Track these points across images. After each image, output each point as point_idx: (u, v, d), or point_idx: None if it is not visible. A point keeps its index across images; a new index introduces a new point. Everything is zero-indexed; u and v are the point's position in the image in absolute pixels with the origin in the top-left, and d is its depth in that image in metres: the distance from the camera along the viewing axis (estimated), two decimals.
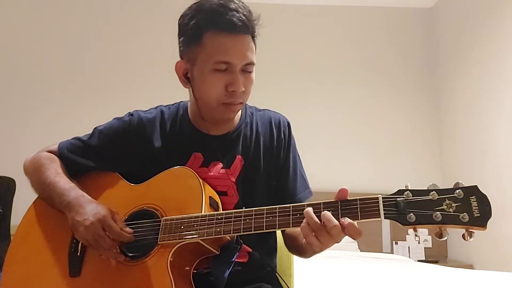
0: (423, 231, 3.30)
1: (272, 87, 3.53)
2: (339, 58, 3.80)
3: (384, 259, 2.85)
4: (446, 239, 3.35)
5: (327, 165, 3.52)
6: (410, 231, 3.32)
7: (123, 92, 3.55)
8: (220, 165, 1.11)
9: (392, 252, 3.34)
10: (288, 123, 1.21)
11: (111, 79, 3.64)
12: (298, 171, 1.18)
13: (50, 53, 3.62)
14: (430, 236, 3.31)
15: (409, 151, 3.66)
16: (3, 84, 3.53)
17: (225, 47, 1.01)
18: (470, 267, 3.00)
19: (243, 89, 1.04)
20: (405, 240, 3.33)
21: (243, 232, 0.93)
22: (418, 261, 3.05)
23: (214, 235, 0.93)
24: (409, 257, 3.18)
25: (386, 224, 3.44)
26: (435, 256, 3.30)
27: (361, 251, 3.19)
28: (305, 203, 0.91)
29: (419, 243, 3.30)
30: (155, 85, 3.30)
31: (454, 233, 2.97)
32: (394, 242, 3.37)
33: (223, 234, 0.93)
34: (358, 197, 0.87)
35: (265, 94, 2.63)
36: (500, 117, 2.92)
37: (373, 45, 3.83)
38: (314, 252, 0.96)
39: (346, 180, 3.41)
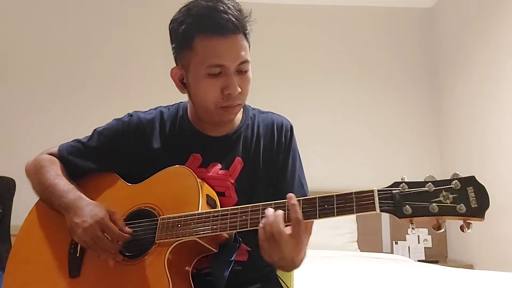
0: (423, 231, 3.30)
1: (271, 89, 3.52)
2: (339, 58, 3.80)
3: (384, 259, 2.85)
4: (445, 236, 3.31)
5: (326, 166, 3.51)
6: (410, 230, 3.33)
7: (124, 93, 3.54)
8: (219, 166, 1.11)
9: (392, 252, 3.34)
10: (291, 127, 1.19)
11: (112, 80, 3.63)
12: (296, 175, 1.15)
13: (51, 54, 3.61)
14: (430, 236, 3.31)
15: (409, 151, 3.66)
16: (3, 85, 3.53)
17: (217, 51, 1.00)
18: (470, 267, 3.00)
19: (240, 90, 1.03)
20: (405, 240, 3.32)
21: (239, 228, 0.92)
22: (418, 261, 3.05)
23: (211, 232, 0.93)
24: (409, 257, 3.18)
25: (386, 224, 3.44)
26: (435, 256, 3.30)
27: (361, 251, 3.19)
28: (300, 198, 0.90)
29: (418, 242, 3.30)
30: (156, 86, 3.29)
31: (454, 232, 2.97)
32: (394, 242, 3.37)
33: (220, 231, 0.93)
34: (353, 191, 0.86)
35: (264, 96, 2.63)
36: (501, 116, 2.91)
37: (372, 45, 3.82)
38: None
39: (346, 180, 3.41)
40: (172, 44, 1.08)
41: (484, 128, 3.10)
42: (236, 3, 1.03)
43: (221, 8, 0.99)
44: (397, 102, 3.76)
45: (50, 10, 3.68)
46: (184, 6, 1.05)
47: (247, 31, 1.04)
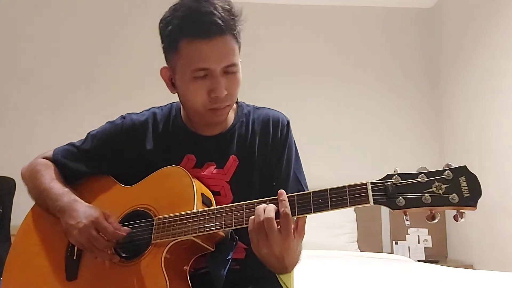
0: (423, 231, 3.30)
1: (270, 88, 3.52)
2: (339, 57, 3.79)
3: (384, 259, 2.85)
4: (445, 236, 3.28)
5: (326, 165, 3.50)
6: (410, 231, 3.33)
7: (122, 94, 3.54)
8: (214, 165, 1.10)
9: (392, 252, 3.33)
10: (288, 122, 1.17)
11: (112, 81, 3.63)
12: (291, 171, 1.14)
13: (50, 53, 3.61)
14: (430, 236, 3.31)
15: (409, 151, 3.65)
16: (3, 85, 3.53)
17: (201, 54, 0.98)
18: (470, 267, 2.99)
19: (226, 92, 1.01)
20: (405, 240, 3.32)
21: (234, 225, 0.92)
22: (418, 261, 3.05)
23: (206, 231, 0.93)
24: (409, 257, 3.17)
25: (386, 224, 3.44)
26: (435, 256, 3.30)
27: (361, 251, 3.18)
28: (295, 194, 0.90)
29: (418, 242, 3.30)
30: (154, 87, 3.30)
31: (454, 233, 2.95)
32: (394, 242, 3.36)
33: (215, 229, 0.93)
34: (346, 184, 0.86)
35: (263, 95, 2.63)
36: (500, 116, 2.91)
37: (372, 45, 3.82)
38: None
39: (345, 178, 3.39)
40: (161, 43, 1.07)
41: (483, 128, 3.10)
42: (226, 1, 1.00)
43: (207, 9, 0.96)
44: (397, 102, 3.76)
45: (50, 11, 3.68)
46: (172, 5, 1.03)
47: (235, 32, 1.01)
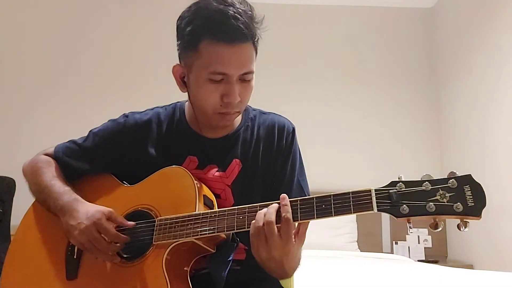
0: (423, 231, 3.30)
1: (272, 86, 3.52)
2: (339, 57, 3.79)
3: (384, 259, 2.85)
4: (445, 236, 3.29)
5: (327, 167, 3.50)
6: (410, 231, 3.33)
7: (123, 93, 3.54)
8: (216, 168, 1.10)
9: (392, 252, 3.33)
10: (293, 129, 1.17)
11: (112, 80, 3.63)
12: (295, 179, 1.14)
13: (51, 54, 3.61)
14: (430, 236, 3.31)
15: (409, 151, 3.65)
16: (2, 84, 3.53)
17: (222, 58, 0.97)
18: (470, 267, 2.99)
19: (239, 99, 1.02)
20: (405, 240, 3.32)
21: (237, 229, 0.92)
22: (418, 261, 3.05)
23: (208, 234, 0.93)
24: (409, 257, 3.18)
25: (386, 224, 3.44)
26: (435, 256, 3.30)
27: (361, 251, 3.19)
28: (298, 198, 0.90)
29: (418, 242, 3.30)
30: (154, 86, 3.30)
31: (454, 233, 2.95)
32: (394, 242, 3.37)
33: (217, 232, 0.93)
34: (350, 191, 0.86)
35: (265, 93, 2.63)
36: (500, 117, 2.91)
37: (372, 45, 3.82)
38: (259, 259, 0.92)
39: (346, 181, 3.40)
40: (177, 40, 1.06)
41: (483, 128, 3.10)
42: (249, 7, 1.00)
43: (232, 13, 0.96)
44: (397, 102, 3.76)
45: (49, 10, 3.68)
46: (194, 4, 1.02)
47: (256, 39, 1.02)
